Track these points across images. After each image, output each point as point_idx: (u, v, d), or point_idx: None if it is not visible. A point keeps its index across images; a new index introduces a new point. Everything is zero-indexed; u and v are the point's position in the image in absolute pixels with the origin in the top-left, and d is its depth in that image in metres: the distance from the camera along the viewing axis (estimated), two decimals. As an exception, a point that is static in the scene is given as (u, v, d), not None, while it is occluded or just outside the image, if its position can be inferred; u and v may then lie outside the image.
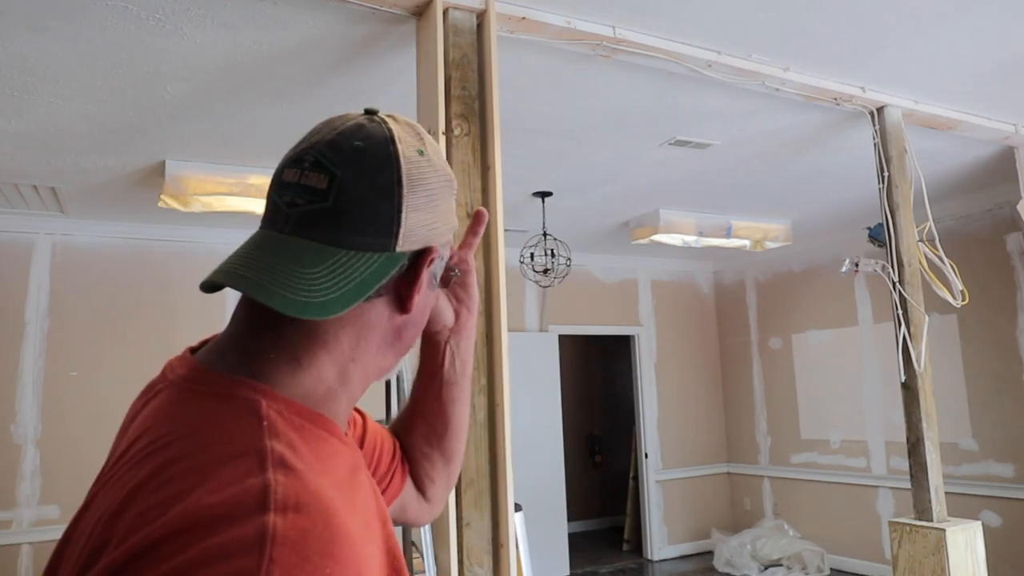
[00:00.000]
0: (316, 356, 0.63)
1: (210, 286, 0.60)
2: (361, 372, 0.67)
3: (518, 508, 3.41)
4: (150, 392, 0.67)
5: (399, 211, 0.63)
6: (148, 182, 4.02)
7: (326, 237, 0.61)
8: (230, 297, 5.19)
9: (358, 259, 0.61)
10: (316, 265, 0.59)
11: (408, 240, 0.64)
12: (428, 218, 0.66)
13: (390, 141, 0.64)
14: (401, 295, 0.66)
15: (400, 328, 0.68)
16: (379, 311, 0.66)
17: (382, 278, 0.63)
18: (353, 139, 0.63)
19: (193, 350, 0.69)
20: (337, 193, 0.61)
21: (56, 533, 4.51)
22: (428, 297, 0.70)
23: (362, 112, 0.67)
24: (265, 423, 0.57)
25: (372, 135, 0.64)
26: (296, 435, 0.58)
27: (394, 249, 0.63)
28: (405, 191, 0.64)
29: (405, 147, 0.65)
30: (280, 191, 0.63)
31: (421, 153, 0.66)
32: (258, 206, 3.91)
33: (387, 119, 0.66)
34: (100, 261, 4.89)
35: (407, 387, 3.39)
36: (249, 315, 0.65)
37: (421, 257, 0.66)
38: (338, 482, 0.57)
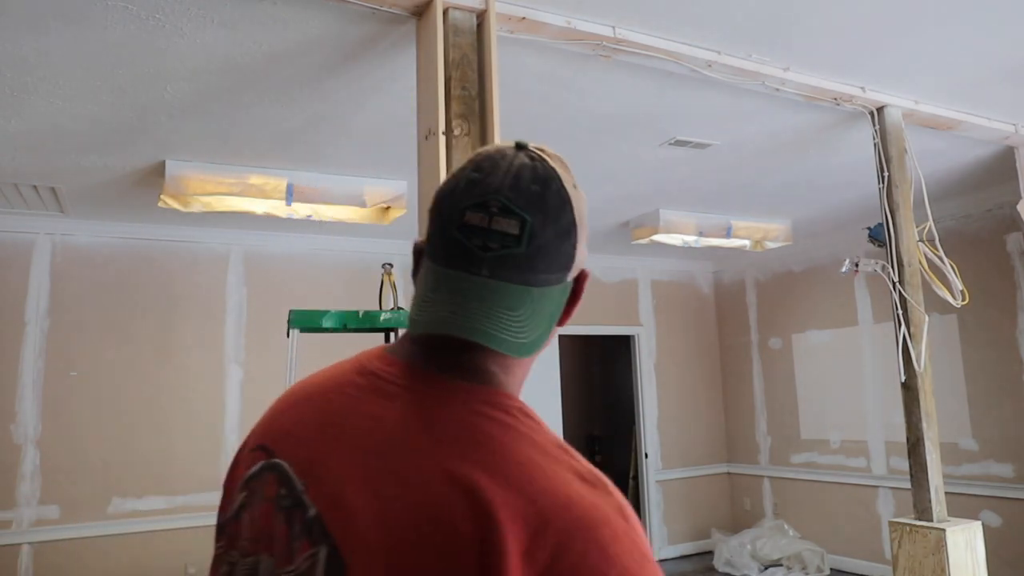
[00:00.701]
0: (514, 370, 0.73)
1: (427, 331, 0.67)
2: (526, 375, 0.76)
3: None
4: (377, 393, 0.70)
5: (575, 248, 0.71)
6: (148, 182, 4.02)
7: (523, 279, 0.68)
8: (231, 299, 5.20)
9: (547, 295, 0.70)
10: (520, 307, 0.67)
11: (575, 268, 0.73)
12: (584, 246, 0.74)
13: (559, 182, 0.70)
14: (562, 312, 0.75)
15: (553, 335, 0.75)
16: None
17: (562, 306, 0.73)
18: (530, 183, 0.68)
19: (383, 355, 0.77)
20: (529, 238, 0.67)
21: (56, 533, 4.52)
22: None
23: (514, 146, 0.72)
24: (540, 424, 0.68)
25: (543, 177, 0.69)
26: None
27: (567, 279, 0.72)
28: (578, 230, 0.72)
29: (568, 185, 0.71)
30: (467, 234, 0.67)
31: (575, 187, 0.73)
32: (258, 206, 3.92)
33: (544, 156, 0.72)
34: (100, 261, 4.89)
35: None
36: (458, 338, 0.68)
37: (581, 280, 0.75)
38: None
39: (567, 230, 0.70)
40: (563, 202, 0.70)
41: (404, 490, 0.62)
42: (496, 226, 0.67)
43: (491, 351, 0.69)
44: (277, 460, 0.70)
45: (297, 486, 0.67)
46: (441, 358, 0.70)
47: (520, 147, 0.72)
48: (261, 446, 0.73)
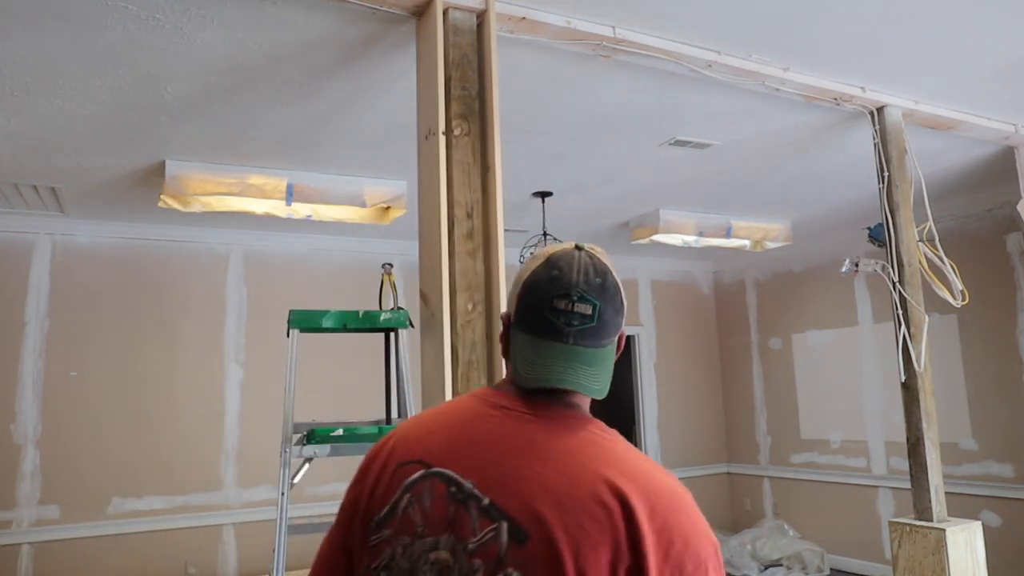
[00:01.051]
0: (587, 401, 1.03)
1: (541, 385, 0.97)
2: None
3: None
4: (516, 419, 0.98)
5: (623, 318, 1.02)
6: (148, 182, 4.02)
7: (594, 344, 0.98)
8: (231, 299, 5.20)
9: (607, 352, 1.01)
10: (594, 364, 0.98)
11: (620, 331, 1.03)
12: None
13: (612, 274, 1.01)
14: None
15: None
16: None
17: (613, 357, 1.03)
18: (594, 277, 0.99)
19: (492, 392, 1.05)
20: (599, 317, 0.97)
21: (56, 533, 4.52)
22: None
23: (574, 247, 1.02)
24: (622, 438, 0.99)
25: (602, 272, 1.00)
26: None
27: (615, 339, 1.02)
28: (624, 306, 1.02)
29: (615, 273, 1.02)
30: (556, 315, 0.97)
31: (616, 274, 1.02)
32: (258, 206, 3.92)
33: (596, 253, 1.02)
34: (100, 261, 4.89)
35: (407, 388, 3.35)
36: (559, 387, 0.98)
37: (621, 338, 1.04)
38: None
39: (619, 308, 1.01)
40: (616, 288, 1.00)
41: (567, 481, 0.89)
42: (576, 309, 0.97)
43: (577, 395, 1.00)
44: (438, 469, 0.95)
45: (466, 485, 0.92)
46: (548, 396, 0.99)
47: (579, 248, 1.02)
48: (416, 461, 0.97)
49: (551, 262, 1.00)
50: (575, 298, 0.97)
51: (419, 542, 0.91)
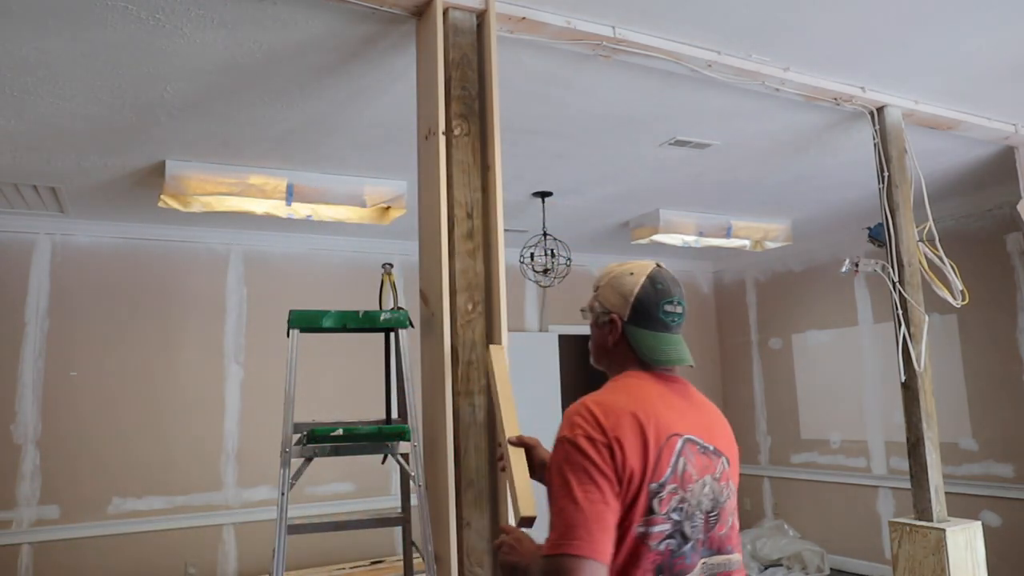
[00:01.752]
0: None
1: (673, 364, 1.45)
2: None
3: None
4: (680, 395, 1.44)
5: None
6: (148, 182, 4.02)
7: (681, 331, 1.48)
8: (231, 299, 5.20)
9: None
10: (684, 344, 1.47)
11: None
12: None
13: (681, 284, 1.50)
14: None
15: None
16: None
17: None
18: (677, 287, 1.48)
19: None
20: (684, 313, 1.47)
21: (56, 533, 4.52)
22: None
23: (656, 264, 1.49)
24: None
25: (679, 282, 1.50)
26: None
27: None
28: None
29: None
30: (665, 315, 1.44)
31: None
32: (258, 206, 3.92)
33: (665, 268, 1.50)
34: (100, 261, 4.89)
35: (407, 388, 3.34)
36: (674, 366, 1.46)
37: None
38: None
39: (685, 308, 1.49)
40: (684, 296, 1.48)
41: (720, 424, 1.46)
42: (677, 310, 1.46)
43: (678, 370, 1.48)
44: (687, 435, 1.35)
45: (702, 440, 1.37)
46: (668, 370, 1.46)
47: (659, 265, 1.49)
48: (674, 433, 1.33)
49: (653, 279, 1.46)
50: (675, 302, 1.45)
51: (696, 484, 1.34)
